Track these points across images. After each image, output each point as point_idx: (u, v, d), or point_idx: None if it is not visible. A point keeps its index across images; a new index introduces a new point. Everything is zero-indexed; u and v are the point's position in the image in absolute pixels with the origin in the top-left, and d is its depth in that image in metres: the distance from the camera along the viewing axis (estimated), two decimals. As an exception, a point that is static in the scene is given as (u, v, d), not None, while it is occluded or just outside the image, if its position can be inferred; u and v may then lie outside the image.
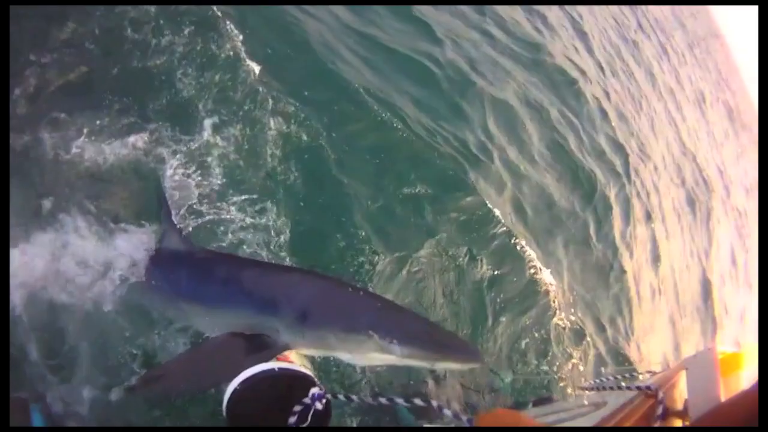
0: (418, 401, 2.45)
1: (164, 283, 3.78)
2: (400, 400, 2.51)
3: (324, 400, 2.53)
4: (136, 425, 3.39)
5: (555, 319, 6.43)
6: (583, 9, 15.24)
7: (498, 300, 6.02)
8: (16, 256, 3.38)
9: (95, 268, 3.72)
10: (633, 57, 17.89)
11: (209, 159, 4.66)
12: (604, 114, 12.05)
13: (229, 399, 2.54)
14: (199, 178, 4.52)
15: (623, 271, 8.98)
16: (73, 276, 3.62)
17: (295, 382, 2.62)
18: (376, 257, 5.05)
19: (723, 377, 3.64)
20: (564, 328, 6.49)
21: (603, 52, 14.99)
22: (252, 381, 2.56)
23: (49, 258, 3.61)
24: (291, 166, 5.10)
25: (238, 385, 2.54)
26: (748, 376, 3.63)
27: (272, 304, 3.25)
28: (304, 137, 5.36)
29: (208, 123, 4.80)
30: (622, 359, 7.31)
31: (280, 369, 2.63)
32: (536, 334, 6.16)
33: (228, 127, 4.92)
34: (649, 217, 11.02)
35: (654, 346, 8.80)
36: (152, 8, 4.98)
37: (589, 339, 6.81)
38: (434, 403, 2.35)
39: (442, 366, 3.07)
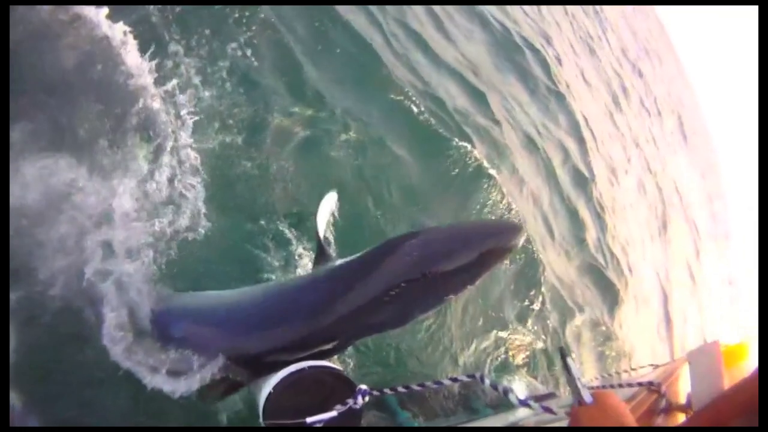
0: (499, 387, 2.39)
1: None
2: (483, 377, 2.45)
3: (367, 397, 2.54)
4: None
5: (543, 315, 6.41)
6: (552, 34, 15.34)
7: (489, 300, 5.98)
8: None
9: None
10: (591, 62, 18.13)
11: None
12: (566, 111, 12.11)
13: (266, 404, 2.56)
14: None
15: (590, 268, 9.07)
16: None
17: (334, 381, 2.67)
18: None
19: (727, 368, 3.62)
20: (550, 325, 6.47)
21: (566, 60, 15.12)
22: (286, 383, 2.59)
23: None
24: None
25: (272, 390, 2.56)
26: (751, 366, 3.62)
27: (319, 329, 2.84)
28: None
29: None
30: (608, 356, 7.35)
31: (310, 367, 2.65)
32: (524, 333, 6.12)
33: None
34: (613, 225, 11.12)
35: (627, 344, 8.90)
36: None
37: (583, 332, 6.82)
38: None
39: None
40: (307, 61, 5.51)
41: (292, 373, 2.61)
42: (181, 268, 3.57)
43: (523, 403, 2.28)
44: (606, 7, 27.39)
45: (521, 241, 2.53)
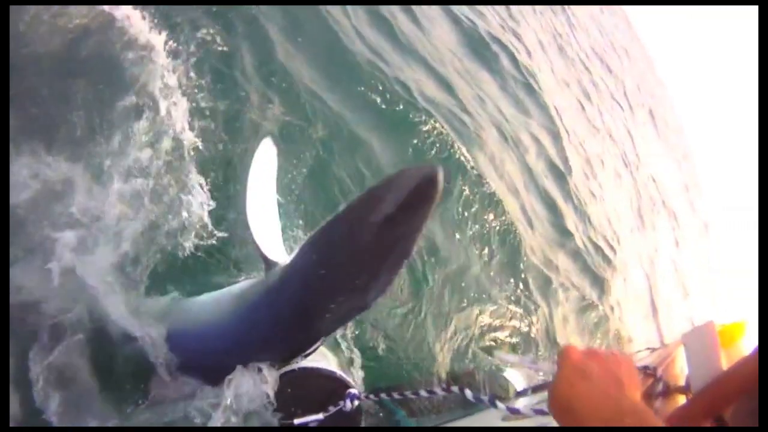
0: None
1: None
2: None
3: (356, 401, 2.58)
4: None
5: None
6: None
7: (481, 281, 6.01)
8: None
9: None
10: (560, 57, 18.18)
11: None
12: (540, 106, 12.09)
13: None
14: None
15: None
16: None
17: (327, 382, 2.70)
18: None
19: (724, 348, 3.53)
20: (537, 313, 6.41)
21: (536, 55, 15.12)
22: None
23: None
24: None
25: None
26: (750, 344, 3.54)
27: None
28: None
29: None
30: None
31: (300, 369, 2.66)
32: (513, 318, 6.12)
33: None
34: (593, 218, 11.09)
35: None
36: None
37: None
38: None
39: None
40: (278, 49, 5.46)
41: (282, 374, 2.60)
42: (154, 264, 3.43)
43: (513, 411, 2.15)
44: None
45: (439, 185, 2.02)
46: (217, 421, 2.53)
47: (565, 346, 1.52)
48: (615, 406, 1.30)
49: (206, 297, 3.06)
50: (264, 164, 3.10)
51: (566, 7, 25.63)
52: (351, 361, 4.14)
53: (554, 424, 1.88)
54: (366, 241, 2.14)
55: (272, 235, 2.93)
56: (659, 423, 1.24)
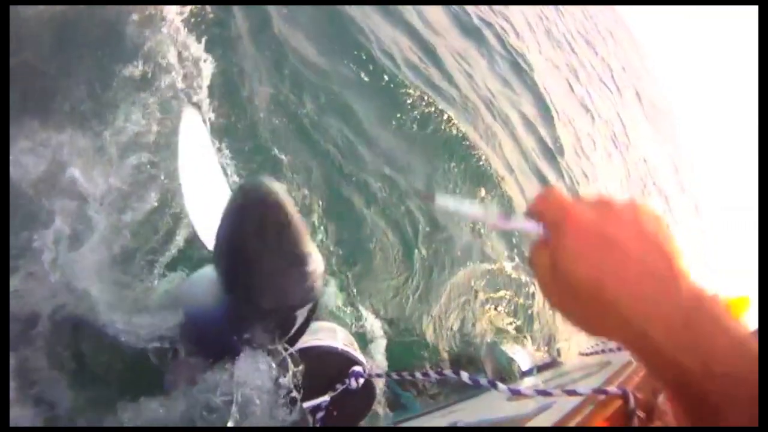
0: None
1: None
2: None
3: (361, 379, 2.55)
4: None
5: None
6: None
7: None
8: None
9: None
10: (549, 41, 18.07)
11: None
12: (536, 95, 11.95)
13: None
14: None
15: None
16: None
17: (331, 360, 2.63)
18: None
19: None
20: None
21: (525, 36, 15.00)
22: None
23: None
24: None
25: None
26: (753, 320, 3.41)
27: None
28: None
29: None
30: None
31: (300, 350, 2.56)
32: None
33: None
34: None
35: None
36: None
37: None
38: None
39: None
40: (272, 19, 5.50)
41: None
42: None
43: (515, 392, 2.13)
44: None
45: (270, 204, 1.95)
46: (226, 412, 2.42)
47: (548, 190, 0.92)
48: (675, 293, 0.78)
49: (197, 276, 2.94)
50: (193, 138, 2.91)
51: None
52: (362, 338, 4.15)
53: (554, 413, 1.70)
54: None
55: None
56: (729, 315, 0.78)
